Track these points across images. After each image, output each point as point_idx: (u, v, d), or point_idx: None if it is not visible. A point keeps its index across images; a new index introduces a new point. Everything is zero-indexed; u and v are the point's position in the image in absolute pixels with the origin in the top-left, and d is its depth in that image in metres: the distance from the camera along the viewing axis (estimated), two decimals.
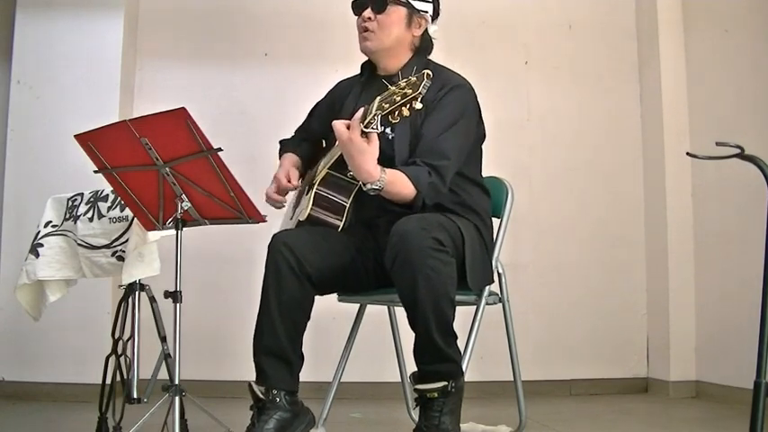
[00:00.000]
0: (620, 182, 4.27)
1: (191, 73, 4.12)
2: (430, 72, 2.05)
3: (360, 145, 2.11)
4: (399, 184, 2.20)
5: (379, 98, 2.10)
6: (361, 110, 2.13)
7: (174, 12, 4.17)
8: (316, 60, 4.09)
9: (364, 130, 2.10)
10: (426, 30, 2.48)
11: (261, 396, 2.18)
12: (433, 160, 2.25)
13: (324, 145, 2.61)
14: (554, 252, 4.17)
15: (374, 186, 2.14)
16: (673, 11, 4.11)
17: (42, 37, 3.89)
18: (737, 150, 1.94)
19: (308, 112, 2.73)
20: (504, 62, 4.25)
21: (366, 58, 2.55)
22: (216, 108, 3.95)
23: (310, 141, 2.67)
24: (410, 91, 2.03)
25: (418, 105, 2.05)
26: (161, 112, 2.16)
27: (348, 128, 2.12)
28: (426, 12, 2.46)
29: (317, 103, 2.70)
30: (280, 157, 2.67)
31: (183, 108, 2.13)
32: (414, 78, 2.05)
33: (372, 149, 2.12)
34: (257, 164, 3.70)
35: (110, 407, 2.52)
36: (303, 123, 2.73)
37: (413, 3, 2.42)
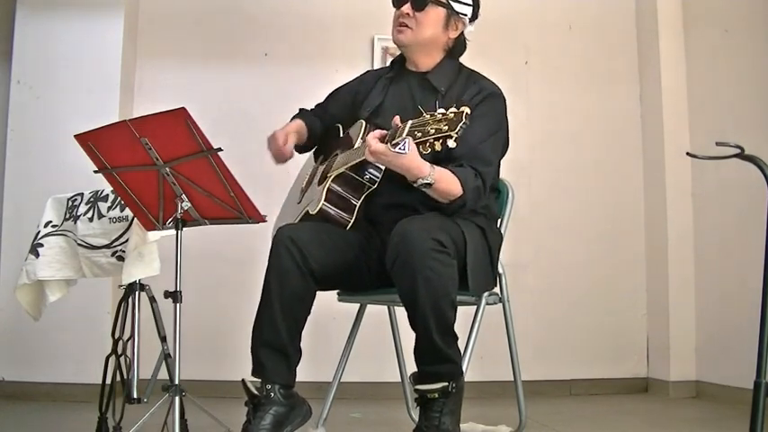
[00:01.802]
0: (620, 182, 4.27)
1: (191, 73, 4.12)
2: (468, 111, 2.00)
3: (393, 155, 2.09)
4: (448, 182, 2.20)
5: (410, 123, 2.07)
6: (395, 124, 2.13)
7: (174, 12, 4.17)
8: (316, 60, 4.10)
9: (391, 150, 2.09)
10: (462, 32, 2.49)
11: (255, 392, 2.18)
12: (478, 166, 2.27)
13: (340, 133, 2.59)
14: (554, 252, 4.18)
15: (426, 181, 2.14)
16: (673, 11, 4.11)
17: (42, 37, 3.89)
18: (737, 150, 1.94)
19: (329, 93, 2.71)
20: (504, 62, 4.24)
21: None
22: (216, 108, 3.95)
23: (324, 123, 2.65)
24: (446, 128, 1.99)
25: (452, 144, 1.99)
26: (161, 112, 2.16)
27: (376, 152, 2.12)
28: (465, 15, 2.47)
29: (339, 88, 2.69)
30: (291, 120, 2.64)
31: (183, 108, 2.13)
32: (451, 115, 1.99)
33: (409, 154, 2.09)
34: (257, 164, 3.70)
35: (110, 407, 2.52)
36: (322, 102, 2.72)
37: (453, 4, 2.43)
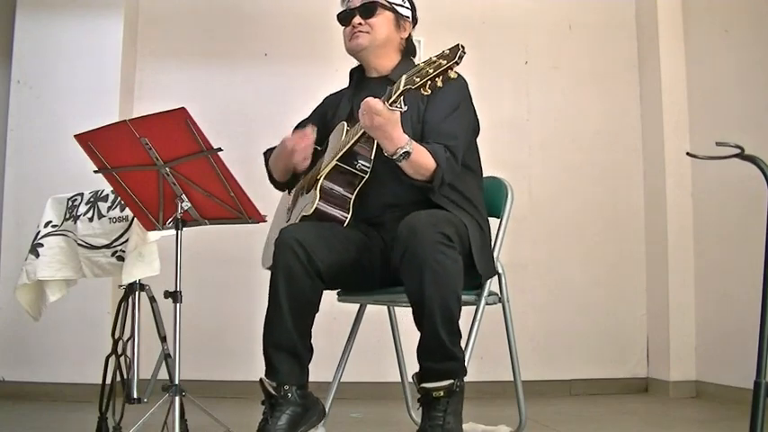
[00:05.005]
0: (620, 182, 4.27)
1: (191, 73, 4.12)
2: (463, 44, 2.06)
3: (388, 113, 2.13)
4: (423, 154, 2.24)
5: (405, 76, 2.11)
6: (389, 88, 2.16)
7: (174, 12, 4.17)
8: (316, 60, 4.10)
9: (390, 108, 2.13)
10: (410, 34, 2.55)
11: (272, 392, 2.18)
12: (444, 141, 2.30)
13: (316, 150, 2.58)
14: (554, 252, 4.18)
15: (405, 149, 2.18)
16: (673, 11, 4.11)
17: (42, 37, 3.89)
18: (737, 150, 1.94)
19: (294, 127, 2.69)
20: (504, 62, 4.25)
21: (352, 67, 2.57)
22: (216, 108, 3.95)
23: None
24: (444, 61, 2.05)
25: (453, 75, 2.06)
26: (161, 112, 2.16)
27: (373, 108, 2.15)
28: (408, 18, 2.54)
29: (302, 121, 2.68)
30: (267, 164, 2.63)
31: (183, 108, 2.13)
32: (447, 51, 2.06)
33: (398, 117, 2.17)
34: (257, 164, 3.70)
35: (110, 407, 2.52)
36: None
37: (396, 8, 2.51)
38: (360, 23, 2.46)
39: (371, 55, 2.51)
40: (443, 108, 2.37)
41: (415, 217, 2.13)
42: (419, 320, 2.11)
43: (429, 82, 2.07)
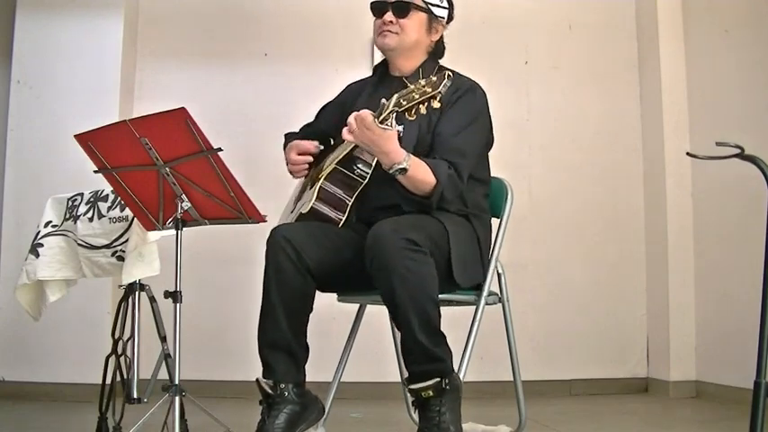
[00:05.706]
0: (620, 182, 4.27)
1: (191, 73, 4.12)
2: (450, 73, 2.09)
3: (380, 131, 2.14)
4: (422, 169, 2.22)
5: (396, 95, 2.13)
6: (382, 103, 2.17)
7: (174, 12, 4.17)
8: (316, 60, 4.10)
9: (379, 126, 2.13)
10: (442, 35, 2.52)
11: (269, 391, 2.18)
12: (451, 157, 2.28)
13: (332, 143, 2.60)
14: (554, 252, 4.17)
15: (402, 166, 2.17)
16: (673, 11, 4.11)
17: (42, 37, 3.89)
18: (737, 150, 1.94)
19: (316, 113, 2.72)
20: (504, 62, 4.25)
21: (377, 61, 2.57)
22: (216, 108, 3.95)
23: (316, 138, 2.64)
24: (429, 89, 2.08)
25: (436, 104, 2.10)
26: (161, 112, 2.16)
27: (364, 121, 2.15)
28: (443, 18, 2.50)
29: (325, 105, 2.71)
30: (285, 147, 2.64)
31: (183, 108, 2.13)
32: (434, 78, 2.09)
33: (393, 133, 2.17)
34: (257, 164, 3.71)
35: (110, 407, 2.52)
36: (311, 122, 2.72)
37: (432, 9, 2.46)
38: (391, 21, 2.43)
39: (398, 57, 2.49)
40: (458, 122, 2.34)
41: (380, 225, 2.13)
42: (397, 326, 2.13)
43: (413, 108, 2.10)
